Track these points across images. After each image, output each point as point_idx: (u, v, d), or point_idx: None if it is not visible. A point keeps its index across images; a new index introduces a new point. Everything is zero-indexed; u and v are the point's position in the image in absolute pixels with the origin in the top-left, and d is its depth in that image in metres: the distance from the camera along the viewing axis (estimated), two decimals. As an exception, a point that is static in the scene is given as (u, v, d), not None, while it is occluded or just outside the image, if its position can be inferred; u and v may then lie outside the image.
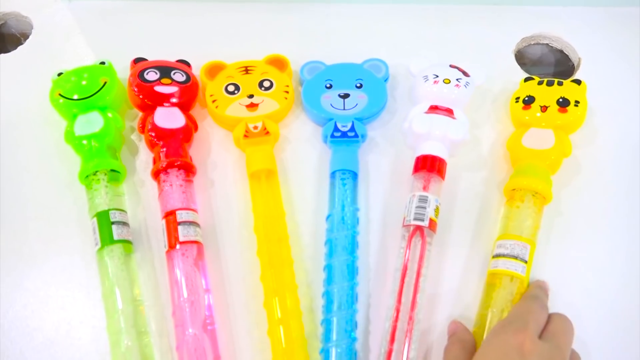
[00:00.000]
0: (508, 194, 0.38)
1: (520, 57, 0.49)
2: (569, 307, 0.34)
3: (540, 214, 0.37)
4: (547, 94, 0.40)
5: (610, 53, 0.47)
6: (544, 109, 0.39)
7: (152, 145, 0.39)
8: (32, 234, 0.38)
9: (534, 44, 0.49)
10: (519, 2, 0.50)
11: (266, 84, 0.42)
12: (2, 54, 0.47)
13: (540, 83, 0.41)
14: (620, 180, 0.41)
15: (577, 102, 0.39)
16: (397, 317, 0.33)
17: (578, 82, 0.41)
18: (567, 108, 0.39)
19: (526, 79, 0.42)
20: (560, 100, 0.39)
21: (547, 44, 0.49)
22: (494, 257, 0.36)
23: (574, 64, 0.47)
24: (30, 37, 0.48)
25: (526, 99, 0.40)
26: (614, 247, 0.38)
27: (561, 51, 0.48)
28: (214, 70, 0.43)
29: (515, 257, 0.34)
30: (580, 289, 0.37)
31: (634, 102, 0.44)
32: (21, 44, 0.47)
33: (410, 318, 0.33)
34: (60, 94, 0.40)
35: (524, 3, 0.50)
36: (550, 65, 0.50)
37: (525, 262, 0.35)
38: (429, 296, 0.35)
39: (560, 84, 0.41)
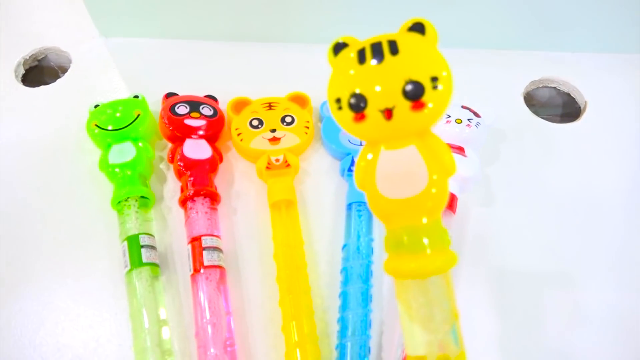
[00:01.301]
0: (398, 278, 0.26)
1: (529, 99, 0.51)
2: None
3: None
4: (379, 81, 0.22)
5: (614, 97, 0.49)
6: (387, 114, 0.22)
7: (180, 175, 0.41)
8: (65, 256, 0.40)
9: (542, 87, 0.51)
10: (528, 47, 0.52)
11: (288, 119, 0.45)
12: (42, 86, 0.50)
13: (362, 59, 0.22)
14: (625, 225, 0.42)
15: (434, 79, 0.22)
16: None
17: (420, 28, 0.23)
18: (423, 99, 0.21)
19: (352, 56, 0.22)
20: (408, 89, 0.22)
21: (554, 87, 0.51)
22: None
23: (580, 107, 0.50)
24: (69, 70, 0.51)
25: (352, 101, 0.23)
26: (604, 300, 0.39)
27: (568, 94, 0.51)
28: (239, 105, 0.45)
29: None
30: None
31: (638, 144, 0.46)
32: (59, 77, 0.50)
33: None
34: (96, 125, 0.42)
35: (534, 48, 0.52)
36: (558, 107, 0.52)
37: None
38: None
39: (394, 51, 0.22)
